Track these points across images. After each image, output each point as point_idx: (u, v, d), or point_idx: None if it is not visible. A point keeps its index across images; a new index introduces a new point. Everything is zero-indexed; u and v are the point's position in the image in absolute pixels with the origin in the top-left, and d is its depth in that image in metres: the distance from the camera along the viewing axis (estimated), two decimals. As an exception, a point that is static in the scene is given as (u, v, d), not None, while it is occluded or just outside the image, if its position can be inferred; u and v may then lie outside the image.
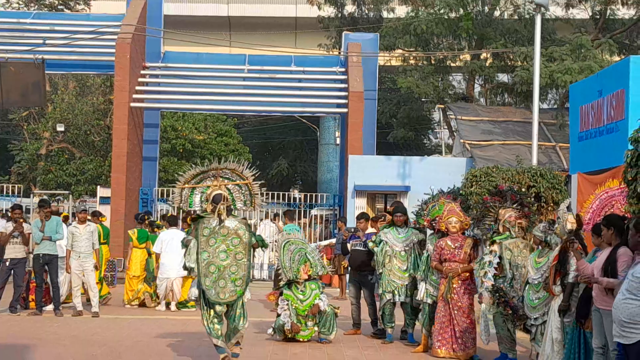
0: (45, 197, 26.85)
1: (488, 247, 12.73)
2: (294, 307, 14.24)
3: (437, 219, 13.72)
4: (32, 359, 12.06)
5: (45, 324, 15.78)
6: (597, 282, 9.28)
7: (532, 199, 13.91)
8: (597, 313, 9.74)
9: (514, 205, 12.89)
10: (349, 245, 15.59)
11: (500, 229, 12.76)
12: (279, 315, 14.28)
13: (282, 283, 14.68)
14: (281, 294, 14.45)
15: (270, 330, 14.56)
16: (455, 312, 13.06)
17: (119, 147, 27.49)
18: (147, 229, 20.11)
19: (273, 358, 12.30)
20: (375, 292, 15.09)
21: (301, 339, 14.17)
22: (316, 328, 14.34)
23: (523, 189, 14.51)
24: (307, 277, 14.44)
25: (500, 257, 12.47)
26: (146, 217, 20.77)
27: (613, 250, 9.21)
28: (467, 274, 13.16)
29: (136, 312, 18.09)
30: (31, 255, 17.94)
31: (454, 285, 13.13)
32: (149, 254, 19.54)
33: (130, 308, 18.81)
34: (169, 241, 18.44)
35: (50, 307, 17.43)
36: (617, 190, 11.95)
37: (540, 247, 11.81)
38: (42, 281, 17.22)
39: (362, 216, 16.50)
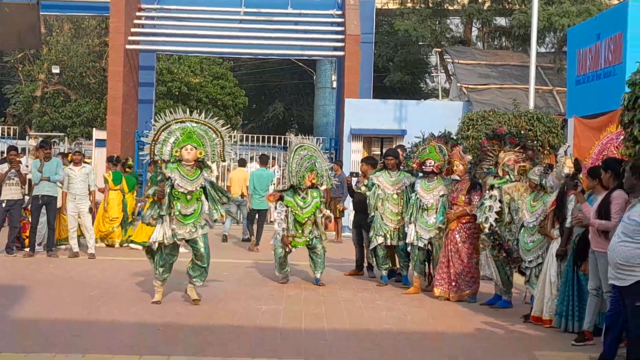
0: (42, 139, 26.75)
1: (488, 192, 12.71)
2: (293, 214, 14.23)
3: (426, 161, 13.69)
4: (28, 300, 12.10)
5: (41, 265, 15.82)
6: (590, 224, 9.31)
7: (533, 142, 13.83)
8: (592, 256, 9.80)
9: (516, 149, 12.83)
10: (355, 188, 15.46)
11: (500, 173, 12.72)
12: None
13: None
14: (281, 198, 14.31)
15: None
16: (452, 254, 13.12)
17: (115, 90, 27.39)
18: (121, 171, 20.25)
19: (269, 299, 12.36)
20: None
21: (297, 246, 14.31)
22: (312, 234, 14.40)
23: (522, 132, 14.44)
24: (310, 185, 14.37)
25: (500, 201, 12.47)
26: (122, 160, 21.17)
27: (608, 193, 9.24)
28: (468, 218, 13.16)
29: (134, 254, 18.14)
30: (27, 197, 17.94)
31: (452, 229, 13.17)
32: (124, 195, 19.70)
33: (127, 250, 18.85)
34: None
35: (39, 248, 17.49)
36: (614, 134, 11.93)
37: (535, 191, 11.81)
38: (37, 222, 17.21)
39: (368, 160, 16.37)
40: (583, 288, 10.52)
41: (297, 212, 14.22)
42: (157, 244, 12.08)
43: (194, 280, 12.15)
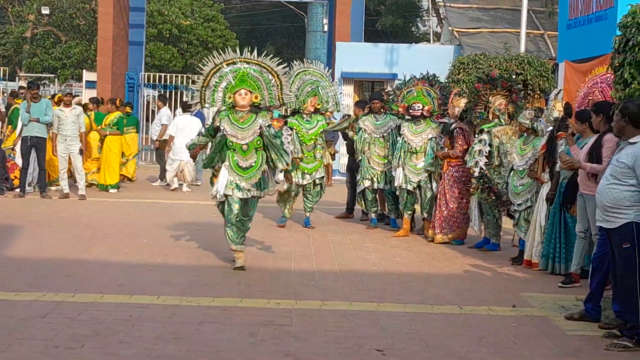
0: (31, 80, 26.63)
1: (477, 136, 12.72)
2: (299, 136, 14.14)
3: (413, 104, 13.68)
4: (19, 240, 12.14)
5: (31, 206, 15.85)
6: (580, 167, 9.35)
7: (521, 85, 13.82)
8: (580, 198, 9.85)
9: (503, 92, 12.83)
10: (350, 133, 15.35)
11: (490, 117, 12.72)
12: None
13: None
14: (285, 123, 14.07)
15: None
16: (441, 197, 13.19)
17: (105, 31, 27.21)
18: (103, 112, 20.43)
19: (259, 241, 12.40)
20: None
21: (308, 172, 14.24)
22: (324, 160, 14.50)
23: (513, 76, 14.42)
24: (312, 110, 14.32)
25: (490, 145, 12.49)
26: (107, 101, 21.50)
27: (599, 136, 9.27)
28: (456, 160, 13.18)
29: (125, 196, 18.17)
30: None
31: (444, 172, 13.22)
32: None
33: (119, 192, 18.86)
34: (184, 126, 19.56)
35: (30, 188, 17.53)
36: (602, 76, 11.91)
37: (525, 134, 11.83)
38: (28, 164, 17.20)
39: (360, 103, 16.32)
40: (570, 231, 10.59)
41: (302, 134, 14.15)
42: (220, 196, 10.47)
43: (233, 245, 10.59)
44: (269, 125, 10.66)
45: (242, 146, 10.40)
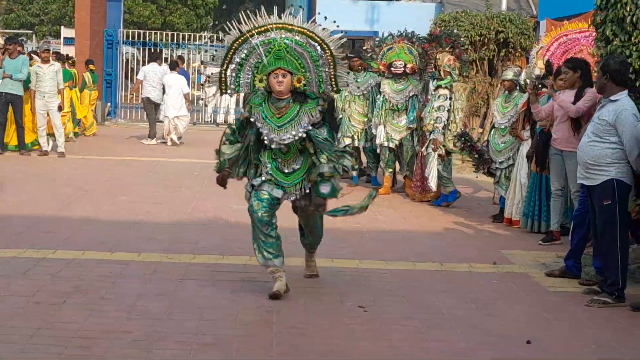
0: (8, 36, 26.36)
1: (435, 93, 12.75)
2: None
3: (395, 62, 13.64)
4: (-2, 197, 12.09)
5: (10, 163, 15.75)
6: (553, 97, 9.45)
7: (464, 40, 13.90)
8: (556, 157, 9.88)
9: (447, 48, 12.87)
10: None
11: (442, 74, 12.75)
12: None
13: None
14: None
15: None
16: (420, 158, 13.18)
17: (83, -15, 26.93)
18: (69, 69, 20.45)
19: (239, 198, 12.39)
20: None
21: None
22: None
23: (454, 31, 14.37)
24: None
25: (450, 99, 12.58)
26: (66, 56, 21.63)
27: (579, 90, 9.38)
28: None
29: (105, 153, 18.09)
30: None
31: (424, 131, 13.21)
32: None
33: (98, 149, 18.79)
34: (171, 84, 20.61)
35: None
36: (578, 33, 11.88)
37: (507, 92, 11.82)
38: (5, 120, 17.06)
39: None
40: (550, 189, 10.62)
41: None
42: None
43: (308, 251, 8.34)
44: (322, 125, 7.55)
45: (280, 147, 7.52)
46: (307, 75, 7.55)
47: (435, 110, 12.58)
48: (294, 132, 7.40)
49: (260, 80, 7.54)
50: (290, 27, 7.63)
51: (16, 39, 18.95)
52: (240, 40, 7.65)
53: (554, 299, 7.87)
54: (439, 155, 12.59)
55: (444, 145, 12.59)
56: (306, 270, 8.22)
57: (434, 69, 12.93)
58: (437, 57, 12.81)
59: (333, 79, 7.68)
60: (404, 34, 14.04)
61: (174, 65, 21.68)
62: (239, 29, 7.64)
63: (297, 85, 7.44)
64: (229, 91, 7.79)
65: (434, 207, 12.78)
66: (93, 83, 22.99)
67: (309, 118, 7.42)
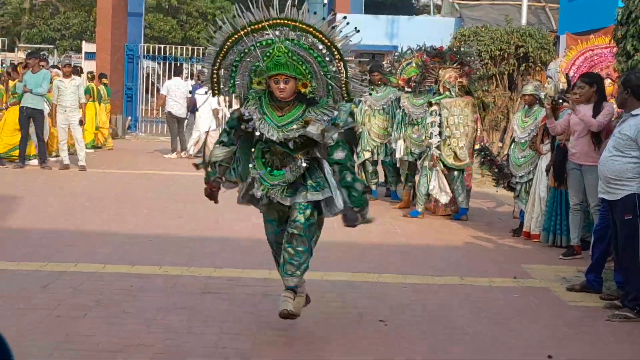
0: (30, 51, 26.56)
1: (428, 110, 12.85)
2: None
3: (413, 77, 13.66)
4: (19, 211, 12.14)
5: (31, 177, 15.85)
6: (574, 111, 9.41)
7: (475, 57, 13.89)
8: (575, 171, 9.85)
9: (454, 65, 12.91)
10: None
11: (441, 90, 12.84)
12: None
13: None
14: None
15: None
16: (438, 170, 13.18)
17: (104, 1, 27.07)
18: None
19: (259, 213, 12.39)
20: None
21: None
22: None
23: (462, 48, 14.37)
24: None
25: (439, 115, 12.64)
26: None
27: (597, 104, 9.39)
28: None
29: (126, 167, 18.16)
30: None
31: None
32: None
33: (119, 162, 18.87)
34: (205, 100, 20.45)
35: (34, 161, 17.51)
36: (604, 48, 11.85)
37: (527, 106, 11.81)
38: (26, 133, 17.17)
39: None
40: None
41: None
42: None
43: (284, 276, 6.67)
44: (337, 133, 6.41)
45: (277, 149, 6.47)
46: (314, 84, 6.42)
47: (430, 126, 12.68)
48: (293, 132, 6.33)
49: (259, 83, 6.43)
50: (293, 23, 6.48)
51: (38, 54, 19.08)
52: (234, 38, 6.60)
53: (575, 314, 7.83)
54: (436, 167, 12.68)
55: (441, 161, 12.65)
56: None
57: (434, 83, 13.00)
58: (440, 72, 12.87)
59: (344, 87, 6.55)
60: (423, 48, 14.05)
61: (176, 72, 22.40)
62: (232, 24, 6.59)
63: (303, 90, 6.35)
64: (223, 93, 6.83)
65: (453, 221, 12.76)
66: (107, 96, 23.20)
67: (318, 122, 6.31)
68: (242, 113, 6.42)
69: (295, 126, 6.33)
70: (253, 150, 6.55)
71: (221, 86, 6.76)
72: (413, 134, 13.56)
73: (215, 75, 6.74)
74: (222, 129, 6.93)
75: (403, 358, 6.27)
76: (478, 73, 13.48)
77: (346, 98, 6.58)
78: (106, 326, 6.68)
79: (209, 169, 6.77)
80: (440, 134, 12.69)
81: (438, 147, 12.62)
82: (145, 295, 7.74)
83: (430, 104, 12.82)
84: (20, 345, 6.08)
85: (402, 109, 13.76)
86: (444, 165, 12.73)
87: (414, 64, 13.82)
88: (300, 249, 6.49)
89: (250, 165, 6.53)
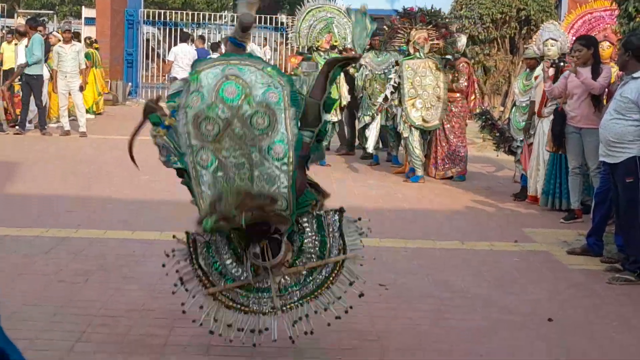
0: (30, 17, 26.44)
1: (393, 68, 13.01)
2: None
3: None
4: (20, 177, 12.13)
5: (32, 143, 15.82)
6: (576, 73, 9.38)
7: (448, 19, 13.89)
8: (574, 135, 9.83)
9: (429, 27, 12.86)
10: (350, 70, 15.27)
11: (411, 50, 12.85)
12: None
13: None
14: (304, 59, 14.08)
15: None
16: (439, 132, 13.15)
17: (103, -35, 26.95)
18: None
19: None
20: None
21: None
22: None
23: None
24: (328, 47, 14.23)
25: (399, 77, 12.72)
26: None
27: (595, 66, 9.39)
28: (457, 97, 13.14)
29: (126, 133, 18.13)
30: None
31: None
32: None
33: (120, 128, 18.84)
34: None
35: (30, 125, 17.56)
36: (603, 11, 11.81)
37: (528, 70, 11.77)
38: (27, 99, 17.11)
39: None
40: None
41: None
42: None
43: None
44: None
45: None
46: None
47: (387, 82, 13.11)
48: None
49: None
50: None
51: (38, 21, 19.00)
52: None
53: (575, 277, 7.85)
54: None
55: (409, 121, 12.71)
56: None
57: (405, 44, 13.04)
58: (412, 33, 12.87)
59: None
60: (425, 12, 13.98)
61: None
62: None
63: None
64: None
65: (454, 185, 12.77)
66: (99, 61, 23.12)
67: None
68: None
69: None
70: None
71: None
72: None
73: None
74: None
75: (405, 321, 6.29)
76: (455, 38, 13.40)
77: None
78: (108, 291, 6.70)
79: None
80: (397, 92, 12.85)
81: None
82: (147, 260, 7.75)
83: (396, 64, 12.98)
84: (23, 309, 6.11)
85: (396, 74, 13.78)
86: (413, 126, 12.70)
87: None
88: None
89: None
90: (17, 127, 17.17)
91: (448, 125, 13.14)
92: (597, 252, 8.50)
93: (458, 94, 13.15)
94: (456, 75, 13.12)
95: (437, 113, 12.72)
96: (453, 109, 13.16)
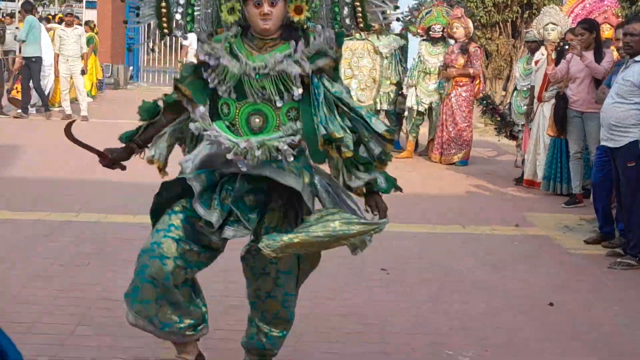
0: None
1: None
2: None
3: (433, 26, 13.63)
4: (20, 160, 12.15)
5: (33, 127, 15.82)
6: (581, 57, 9.35)
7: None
8: (575, 119, 9.82)
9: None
10: None
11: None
12: None
13: None
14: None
15: None
16: (447, 118, 13.14)
17: (105, -52, 26.90)
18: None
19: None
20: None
21: None
22: None
23: None
24: None
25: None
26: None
27: (597, 50, 9.35)
28: (466, 81, 13.13)
29: (128, 117, 18.11)
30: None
31: (449, 93, 13.15)
32: None
33: (123, 113, 18.83)
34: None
35: (32, 109, 17.59)
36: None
37: (529, 54, 11.75)
38: (26, 82, 17.12)
39: None
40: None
41: None
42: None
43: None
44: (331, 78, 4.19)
45: (251, 118, 4.16)
46: (314, 3, 4.24)
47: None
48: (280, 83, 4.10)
49: (231, 11, 4.16)
50: None
51: (30, 3, 19.01)
52: None
53: (576, 261, 7.86)
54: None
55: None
56: None
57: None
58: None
59: (359, 9, 4.28)
60: None
61: None
62: None
63: (297, 17, 4.16)
64: (176, 31, 4.37)
65: (455, 170, 12.78)
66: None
67: (310, 67, 4.09)
68: (202, 58, 4.19)
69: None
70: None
71: (174, 21, 4.34)
72: (424, 82, 13.57)
73: (163, 4, 4.33)
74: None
75: (405, 305, 6.30)
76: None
77: (361, 24, 4.32)
78: (109, 274, 6.70)
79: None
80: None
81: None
82: (148, 244, 7.74)
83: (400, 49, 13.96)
84: (24, 293, 6.11)
85: (418, 56, 13.77)
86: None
87: (434, 12, 13.77)
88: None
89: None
90: (18, 110, 17.18)
91: (457, 110, 13.12)
92: (613, 236, 8.41)
93: (466, 79, 13.13)
94: (469, 59, 13.08)
95: (372, 94, 12.96)
96: (463, 93, 13.13)
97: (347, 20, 4.30)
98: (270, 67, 4.05)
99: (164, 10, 4.31)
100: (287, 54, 4.07)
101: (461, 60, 13.10)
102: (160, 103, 4.53)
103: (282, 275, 4.46)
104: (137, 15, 4.51)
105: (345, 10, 4.29)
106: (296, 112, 4.14)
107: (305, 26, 4.18)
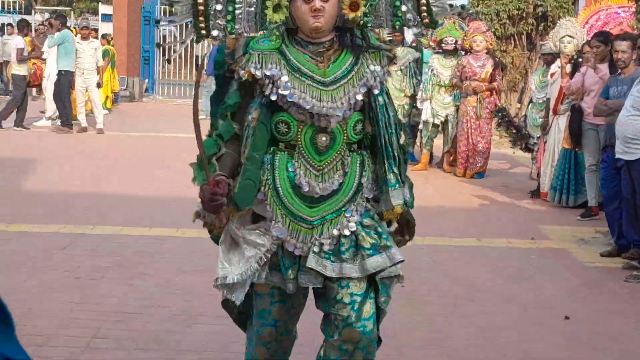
0: (48, 13, 26.58)
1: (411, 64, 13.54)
2: None
3: (445, 38, 13.63)
4: (37, 173, 12.18)
5: (49, 140, 15.88)
6: (595, 69, 9.37)
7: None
8: (590, 131, 9.80)
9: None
10: None
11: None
12: None
13: None
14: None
15: None
16: (472, 131, 13.08)
17: (120, -38, 27.03)
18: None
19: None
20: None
21: None
22: None
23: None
24: None
25: None
26: None
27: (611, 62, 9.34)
28: (488, 93, 13.12)
29: (143, 129, 18.16)
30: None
31: (470, 105, 13.10)
32: None
33: (137, 125, 18.89)
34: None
35: (41, 122, 17.77)
36: (619, 8, 11.74)
37: (545, 66, 11.73)
38: (58, 96, 17.26)
39: None
40: (580, 163, 10.51)
41: None
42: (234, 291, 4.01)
43: None
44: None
45: (318, 136, 3.61)
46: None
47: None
48: (344, 100, 3.57)
49: (276, 8, 3.54)
50: None
51: (62, 15, 19.21)
52: None
53: (592, 275, 7.83)
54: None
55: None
56: None
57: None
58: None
59: (424, 1, 3.86)
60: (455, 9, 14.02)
61: None
62: None
63: (352, 14, 3.55)
64: (214, 32, 3.83)
65: (470, 182, 12.75)
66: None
67: (372, 75, 3.64)
68: (252, 72, 3.56)
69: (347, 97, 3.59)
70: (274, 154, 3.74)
71: (211, 21, 3.83)
72: (440, 95, 13.57)
73: (200, 1, 3.79)
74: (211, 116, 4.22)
75: (420, 317, 6.28)
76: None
77: (426, 21, 3.89)
78: (124, 287, 6.71)
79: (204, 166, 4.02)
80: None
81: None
82: (164, 257, 7.76)
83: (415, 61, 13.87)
84: (40, 306, 6.12)
85: (430, 70, 13.77)
86: None
87: (447, 25, 13.75)
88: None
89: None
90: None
91: (484, 122, 13.08)
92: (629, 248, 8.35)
93: (488, 91, 13.13)
94: (493, 73, 13.07)
95: None
96: (487, 105, 13.10)
97: (409, 16, 3.86)
98: (348, 95, 3.59)
99: (201, 8, 3.77)
100: (352, 65, 3.62)
101: (483, 74, 13.02)
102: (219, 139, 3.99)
103: None
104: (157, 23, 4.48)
105: (408, 4, 3.85)
106: (362, 125, 3.70)
107: (361, 22, 3.63)
